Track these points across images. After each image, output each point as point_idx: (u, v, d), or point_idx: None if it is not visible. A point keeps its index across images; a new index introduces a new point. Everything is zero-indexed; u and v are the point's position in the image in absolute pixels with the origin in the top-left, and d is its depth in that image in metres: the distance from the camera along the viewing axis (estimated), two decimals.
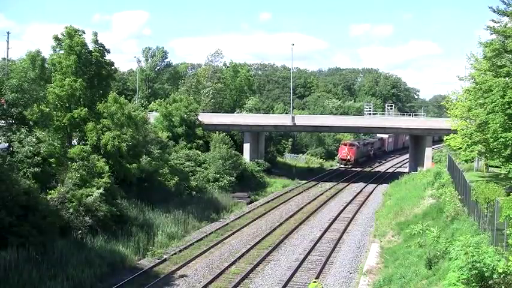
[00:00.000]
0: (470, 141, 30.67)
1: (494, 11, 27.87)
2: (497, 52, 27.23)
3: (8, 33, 53.84)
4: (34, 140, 27.85)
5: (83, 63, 34.65)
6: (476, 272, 12.89)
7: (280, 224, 36.01)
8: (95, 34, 35.88)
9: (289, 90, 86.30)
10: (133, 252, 26.85)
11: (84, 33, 35.31)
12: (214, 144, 49.91)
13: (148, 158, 35.88)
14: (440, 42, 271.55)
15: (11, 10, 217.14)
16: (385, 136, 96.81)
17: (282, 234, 32.89)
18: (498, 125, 24.47)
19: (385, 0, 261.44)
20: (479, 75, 30.27)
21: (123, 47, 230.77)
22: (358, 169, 72.75)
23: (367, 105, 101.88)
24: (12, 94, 27.06)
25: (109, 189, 28.72)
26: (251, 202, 45.55)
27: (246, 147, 59.13)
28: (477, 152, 31.21)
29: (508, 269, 12.76)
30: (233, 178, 46.53)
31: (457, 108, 34.70)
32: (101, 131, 33.01)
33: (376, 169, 78.36)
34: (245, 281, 23.97)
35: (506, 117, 24.21)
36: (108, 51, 36.24)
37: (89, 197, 26.86)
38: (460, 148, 33.16)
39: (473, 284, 13.03)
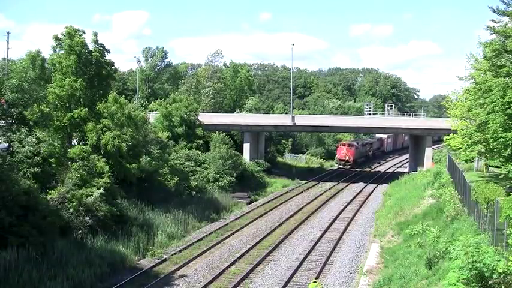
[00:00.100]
0: (470, 141, 30.66)
1: (494, 11, 27.85)
2: (497, 52, 27.20)
3: (8, 33, 53.93)
4: (34, 140, 27.84)
5: (83, 63, 34.65)
6: (476, 272, 12.89)
7: (280, 224, 36.01)
8: (95, 34, 35.89)
9: (289, 90, 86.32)
10: (133, 252, 26.85)
11: (84, 33, 35.33)
12: (214, 144, 49.90)
13: (148, 158, 35.89)
14: (440, 42, 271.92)
15: (11, 10, 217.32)
16: (384, 136, 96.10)
17: (282, 234, 32.89)
18: (498, 125, 24.45)
19: (385, 0, 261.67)
20: (479, 75, 30.25)
21: (123, 47, 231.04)
22: (358, 169, 72.25)
23: (367, 105, 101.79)
24: (12, 94, 27.07)
25: (109, 189, 28.71)
26: (251, 202, 45.55)
27: (246, 147, 59.13)
28: (477, 152, 31.21)
29: (508, 269, 12.76)
30: (233, 178, 46.52)
31: (457, 108, 34.68)
32: (101, 131, 33.01)
33: (376, 169, 78.33)
34: (245, 281, 23.97)
35: (506, 117, 24.19)
36: (108, 51, 36.26)
37: (89, 197, 26.85)
38: (460, 148, 33.15)
39: (473, 284, 13.03)
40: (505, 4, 27.53)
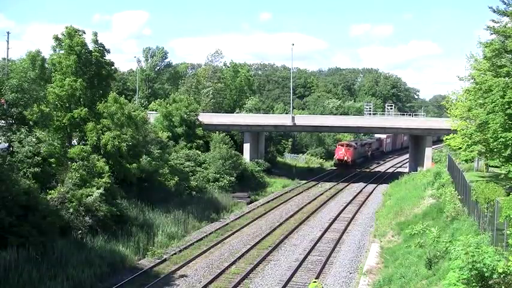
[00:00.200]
0: (470, 141, 30.65)
1: (494, 11, 27.84)
2: (497, 52, 27.19)
3: (8, 33, 53.96)
4: (34, 140, 27.84)
5: (83, 63, 34.65)
6: (477, 272, 12.90)
7: (280, 224, 36.01)
8: (95, 34, 35.89)
9: (289, 90, 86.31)
10: (133, 252, 26.85)
11: (84, 33, 35.33)
12: (214, 144, 49.90)
13: (148, 158, 35.89)
14: (440, 42, 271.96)
15: (11, 10, 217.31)
16: (383, 136, 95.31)
17: (282, 234, 32.89)
18: (498, 125, 24.45)
19: (385, 0, 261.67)
20: (479, 75, 30.25)
21: (123, 47, 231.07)
22: (356, 170, 71.41)
23: (367, 105, 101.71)
24: (12, 94, 27.06)
25: (109, 189, 28.71)
26: (251, 202, 45.55)
27: (246, 147, 59.12)
28: (477, 152, 31.21)
29: (508, 269, 12.76)
30: (233, 178, 46.52)
31: (457, 108, 34.69)
32: (101, 131, 33.01)
33: (375, 169, 78.27)
34: (245, 281, 23.97)
35: (506, 117, 24.18)
36: (108, 51, 36.26)
37: (89, 197, 26.85)
38: (460, 148, 33.16)
39: (473, 284, 13.03)
40: (505, 4, 27.53)
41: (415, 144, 63.79)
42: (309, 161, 78.58)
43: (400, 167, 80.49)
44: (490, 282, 13.04)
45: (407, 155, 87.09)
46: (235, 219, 37.65)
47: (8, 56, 53.50)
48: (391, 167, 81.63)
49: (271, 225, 35.53)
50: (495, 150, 26.53)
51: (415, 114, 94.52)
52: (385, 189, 52.00)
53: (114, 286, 22.22)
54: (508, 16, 27.69)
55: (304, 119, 63.83)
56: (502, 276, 12.85)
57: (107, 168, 29.90)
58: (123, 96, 37.92)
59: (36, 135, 29.10)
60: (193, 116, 53.34)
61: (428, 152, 56.47)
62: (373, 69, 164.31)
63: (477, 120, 28.94)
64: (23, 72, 31.57)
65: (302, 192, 52.01)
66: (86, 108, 33.87)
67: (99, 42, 35.80)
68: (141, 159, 34.77)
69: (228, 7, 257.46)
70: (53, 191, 26.55)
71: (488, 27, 28.20)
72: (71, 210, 26.14)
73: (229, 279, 24.06)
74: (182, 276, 24.52)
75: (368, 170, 76.30)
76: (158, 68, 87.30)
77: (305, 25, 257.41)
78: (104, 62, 35.87)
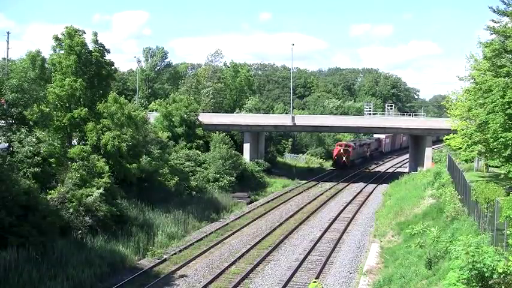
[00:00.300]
0: (470, 141, 30.64)
1: (494, 11, 27.83)
2: (497, 52, 27.19)
3: (8, 33, 53.95)
4: (34, 140, 27.84)
5: (83, 63, 34.66)
6: (477, 272, 12.90)
7: (280, 224, 36.01)
8: (95, 34, 35.91)
9: (289, 90, 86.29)
10: (133, 252, 26.85)
11: (84, 33, 35.35)
12: (214, 144, 49.90)
13: (148, 158, 35.88)
14: (440, 42, 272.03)
15: (11, 10, 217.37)
16: (382, 136, 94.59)
17: (282, 234, 32.89)
18: (498, 125, 24.45)
19: (385, 0, 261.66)
20: (479, 75, 30.25)
21: (123, 47, 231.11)
22: (356, 171, 70.75)
23: (367, 105, 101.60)
24: (12, 94, 27.06)
25: (109, 189, 28.71)
26: (251, 202, 45.55)
27: (246, 147, 59.12)
28: (477, 152, 31.20)
29: (508, 269, 12.76)
30: (233, 178, 46.51)
31: (457, 108, 34.68)
32: (101, 131, 33.01)
33: (375, 170, 78.22)
34: (245, 281, 23.97)
35: (506, 117, 24.18)
36: (108, 51, 36.28)
37: (89, 197, 26.85)
38: (460, 148, 33.15)
39: (474, 284, 13.04)
40: (505, 4, 27.52)
41: (415, 144, 63.79)
42: (309, 161, 78.56)
43: (400, 167, 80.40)
44: (490, 282, 13.04)
45: (406, 155, 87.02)
46: (235, 219, 37.65)
47: (8, 56, 53.55)
48: (391, 167, 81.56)
49: (271, 225, 35.52)
50: (495, 150, 26.53)
51: (415, 114, 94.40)
52: (385, 189, 52.00)
53: (114, 286, 22.22)
54: (508, 16, 27.68)
55: (304, 119, 63.81)
56: (502, 276, 12.85)
57: (107, 168, 29.90)
58: (123, 96, 37.91)
59: (36, 135, 29.10)
60: (193, 116, 53.34)
61: (428, 152, 56.47)
62: (373, 69, 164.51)
63: (477, 120, 28.94)
64: (23, 72, 31.56)
65: (302, 192, 52.01)
66: (86, 108, 33.88)
67: (99, 42, 35.84)
68: (141, 159, 34.77)
69: (228, 7, 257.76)
70: (53, 191, 26.55)
71: (488, 27, 28.21)
72: (71, 210, 26.14)
73: (229, 279, 24.06)
74: (182, 276, 24.52)
75: (367, 170, 76.17)
76: (158, 68, 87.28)
77: (305, 25, 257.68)
78: (104, 62, 35.88)
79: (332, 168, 73.41)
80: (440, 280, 16.94)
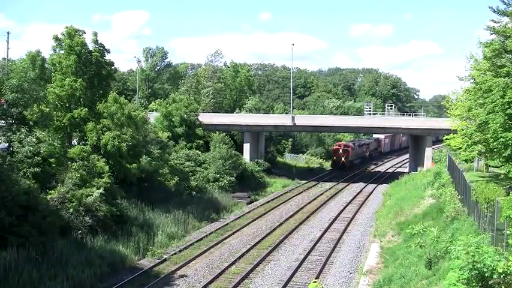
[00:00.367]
0: (470, 141, 30.65)
1: (494, 11, 27.84)
2: (497, 52, 27.19)
3: (8, 33, 53.92)
4: (34, 140, 27.83)
5: (83, 63, 34.66)
6: (477, 272, 12.90)
7: (280, 224, 36.01)
8: (95, 34, 35.91)
9: (289, 90, 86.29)
10: (133, 252, 26.85)
11: (84, 33, 35.36)
12: (214, 144, 49.90)
13: (148, 158, 35.88)
14: (440, 42, 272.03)
15: (11, 10, 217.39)
16: (382, 137, 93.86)
17: (282, 234, 32.89)
18: (498, 125, 24.45)
19: (385, 0, 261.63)
20: (479, 76, 30.25)
21: (123, 47, 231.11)
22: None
23: (367, 105, 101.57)
24: (12, 94, 27.06)
25: (109, 189, 28.71)
26: (251, 202, 45.55)
27: (246, 147, 59.13)
28: (477, 152, 31.21)
29: (508, 269, 12.76)
30: (233, 178, 46.52)
31: (457, 108, 34.69)
32: (101, 131, 33.01)
33: (374, 170, 78.17)
34: (245, 281, 23.97)
35: (506, 117, 24.19)
36: (108, 51, 36.28)
37: (89, 197, 26.85)
38: (460, 148, 33.16)
39: (474, 284, 13.04)
40: (505, 4, 27.54)
41: (415, 144, 63.78)
42: (309, 161, 78.56)
43: (399, 167, 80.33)
44: (490, 282, 13.04)
45: (406, 156, 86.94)
46: (235, 219, 37.65)
47: (8, 56, 53.52)
48: (391, 167, 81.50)
49: (271, 225, 35.52)
50: (495, 150, 26.53)
51: (415, 114, 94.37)
52: (385, 189, 51.99)
53: (114, 286, 22.22)
54: (508, 16, 27.69)
55: (304, 119, 63.80)
56: (502, 276, 12.86)
57: (107, 168, 29.90)
58: (123, 96, 37.92)
59: (36, 135, 29.10)
60: (193, 116, 53.35)
61: (428, 152, 56.48)
62: (373, 69, 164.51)
63: (477, 120, 28.94)
64: (23, 72, 31.54)
65: (302, 192, 52.01)
66: (86, 108, 33.88)
67: (99, 42, 35.84)
68: (141, 159, 34.76)
69: (228, 7, 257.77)
70: (53, 191, 26.55)
71: (488, 27, 28.21)
72: (71, 210, 26.14)
73: (229, 279, 24.06)
74: (182, 276, 24.52)
75: (367, 170, 76.08)
76: (158, 68, 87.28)
77: (305, 25, 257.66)
78: (104, 62, 35.88)
79: (332, 168, 73.12)
80: (440, 280, 16.94)
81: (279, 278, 24.37)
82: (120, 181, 32.29)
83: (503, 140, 24.18)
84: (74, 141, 35.23)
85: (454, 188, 31.15)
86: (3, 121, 27.96)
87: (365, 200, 47.67)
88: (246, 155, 57.94)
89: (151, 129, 41.77)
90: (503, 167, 27.54)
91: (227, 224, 35.89)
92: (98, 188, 27.62)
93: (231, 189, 45.38)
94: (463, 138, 32.23)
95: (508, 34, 27.32)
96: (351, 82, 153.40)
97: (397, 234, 29.92)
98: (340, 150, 71.10)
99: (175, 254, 27.82)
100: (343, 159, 70.49)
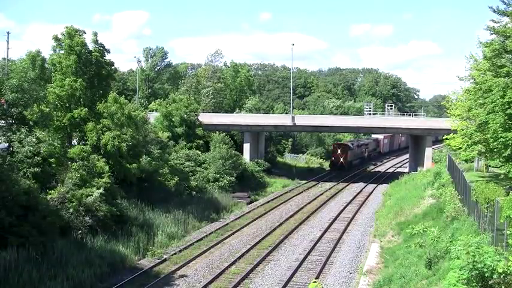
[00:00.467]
0: (470, 141, 30.65)
1: (494, 11, 27.84)
2: (497, 52, 27.19)
3: (8, 33, 53.93)
4: (34, 140, 27.83)
5: (83, 63, 34.67)
6: (477, 272, 12.90)
7: (280, 224, 36.01)
8: (95, 34, 35.93)
9: (289, 90, 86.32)
10: (133, 252, 26.84)
11: (84, 33, 35.37)
12: (214, 144, 49.91)
13: (148, 158, 35.88)
14: (440, 42, 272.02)
15: (11, 10, 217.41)
16: (381, 137, 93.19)
17: (282, 234, 32.88)
18: (498, 125, 24.46)
19: (385, 0, 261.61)
20: (479, 76, 30.26)
21: (123, 47, 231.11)
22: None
23: (367, 105, 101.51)
24: (12, 94, 27.07)
25: (109, 189, 28.71)
26: (251, 202, 45.55)
27: (246, 147, 59.14)
28: (477, 152, 31.20)
29: (508, 269, 12.77)
30: (233, 178, 46.52)
31: (457, 108, 34.69)
32: (101, 131, 33.01)
33: (374, 170, 78.13)
34: (245, 281, 23.97)
35: (506, 117, 24.19)
36: (108, 51, 36.30)
37: (89, 197, 26.85)
38: (460, 148, 33.16)
39: (474, 284, 13.04)
40: (505, 4, 27.53)
41: (415, 144, 63.79)
42: (309, 161, 78.56)
43: (399, 167, 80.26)
44: (490, 282, 13.04)
45: (405, 156, 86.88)
46: (235, 219, 37.65)
47: (8, 56, 53.51)
48: (391, 167, 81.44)
49: (271, 225, 35.52)
50: (495, 150, 26.54)
51: (415, 114, 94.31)
52: (385, 189, 52.00)
53: (114, 286, 22.22)
54: (508, 16, 27.69)
55: (304, 119, 63.79)
56: (502, 276, 12.86)
57: (107, 168, 29.90)
58: (123, 96, 37.92)
59: (36, 135, 29.10)
60: (193, 116, 53.35)
61: (428, 152, 56.49)
62: (373, 69, 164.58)
63: (477, 120, 28.94)
64: (23, 72, 31.53)
65: (302, 192, 52.02)
66: (86, 108, 33.89)
67: (99, 42, 35.85)
68: (141, 159, 34.76)
69: (228, 7, 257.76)
70: (53, 191, 26.54)
71: (488, 27, 28.20)
72: (71, 210, 26.14)
73: (229, 279, 24.06)
74: (182, 276, 24.52)
75: (367, 170, 75.99)
76: (158, 68, 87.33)
77: (305, 25, 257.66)
78: (104, 62, 35.89)
79: (330, 169, 72.64)
80: (440, 280, 16.94)
81: (279, 278, 24.37)
82: (120, 181, 32.29)
83: (503, 140, 24.18)
84: (74, 141, 35.24)
85: (454, 188, 31.15)
86: (3, 121, 27.95)
87: (365, 200, 47.67)
88: (246, 155, 57.95)
89: (151, 129, 41.78)
90: (503, 167, 27.53)
91: (227, 224, 35.89)
92: (98, 188, 27.62)
93: (231, 189, 45.38)
94: (463, 138, 32.23)
95: (508, 34, 27.31)
96: (351, 82, 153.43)
97: (397, 234, 29.92)
98: (339, 151, 70.67)
99: (175, 254, 27.82)
100: (341, 159, 70.05)
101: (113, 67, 37.20)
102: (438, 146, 78.95)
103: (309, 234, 33.77)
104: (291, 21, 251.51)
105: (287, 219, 38.01)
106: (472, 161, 37.06)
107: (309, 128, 65.25)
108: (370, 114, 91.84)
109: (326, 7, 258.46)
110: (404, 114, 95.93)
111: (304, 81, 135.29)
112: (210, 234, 32.45)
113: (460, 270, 13.19)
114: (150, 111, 57.33)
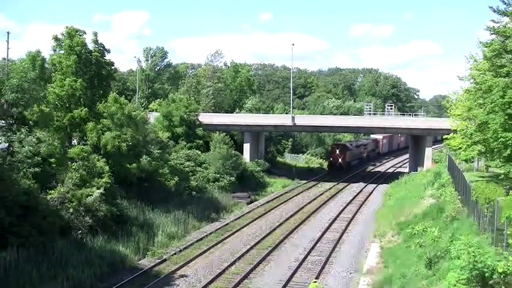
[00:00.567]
0: (470, 141, 30.65)
1: (494, 11, 27.84)
2: (497, 52, 27.20)
3: (8, 33, 53.80)
4: (34, 140, 27.86)
5: (83, 63, 34.69)
6: (477, 272, 12.91)
7: (280, 224, 36.01)
8: (95, 34, 35.97)
9: (289, 90, 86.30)
10: (133, 252, 26.85)
11: (84, 33, 35.39)
12: (214, 144, 49.92)
13: (148, 158, 35.87)
14: (440, 42, 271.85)
15: (11, 10, 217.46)
16: (379, 137, 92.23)
17: (282, 234, 32.88)
18: (498, 125, 24.47)
19: (385, 0, 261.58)
20: (479, 76, 30.26)
21: (123, 47, 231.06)
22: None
23: (367, 105, 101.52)
24: (12, 94, 27.11)
25: (109, 189, 28.70)
26: (251, 202, 45.55)
27: (246, 147, 59.15)
28: (477, 152, 31.20)
29: (508, 269, 12.78)
30: (233, 178, 46.53)
31: (457, 108, 34.69)
32: (101, 131, 33.03)
33: (373, 170, 78.12)
34: (245, 281, 23.97)
35: (506, 117, 24.21)
36: (108, 51, 36.35)
37: (89, 197, 26.85)
38: (460, 148, 33.16)
39: (474, 284, 13.06)
40: (505, 4, 27.53)
41: (415, 144, 63.79)
42: (309, 161, 78.56)
43: (399, 167, 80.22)
44: (490, 282, 13.06)
45: (405, 156, 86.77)
46: (235, 219, 37.65)
47: (8, 56, 53.46)
48: (391, 167, 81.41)
49: (271, 225, 35.52)
50: (495, 150, 26.54)
51: (415, 114, 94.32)
52: (385, 189, 52.02)
53: (114, 286, 22.21)
54: (508, 16, 27.69)
55: (304, 119, 63.80)
56: (502, 276, 12.87)
57: (107, 168, 29.90)
58: (123, 96, 37.93)
59: (36, 135, 29.12)
60: (193, 116, 53.35)
61: (428, 152, 56.49)
62: (373, 69, 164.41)
63: (477, 120, 28.94)
64: (23, 72, 31.53)
65: (302, 192, 52.02)
66: (86, 108, 33.91)
67: (99, 42, 35.89)
68: (141, 159, 34.76)
69: (228, 7, 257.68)
70: (53, 191, 26.54)
71: (488, 27, 28.21)
72: (71, 210, 26.14)
73: (229, 279, 24.06)
74: (182, 276, 24.52)
75: (367, 170, 75.99)
76: (158, 68, 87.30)
77: (305, 25, 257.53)
78: (104, 62, 35.92)
79: (328, 169, 71.90)
80: (440, 280, 16.94)
81: (279, 278, 24.36)
82: (120, 181, 32.27)
83: (503, 140, 24.19)
84: (74, 141, 35.25)
85: (454, 188, 31.16)
86: (3, 121, 27.96)
87: (365, 200, 47.67)
88: (246, 155, 57.96)
89: (151, 129, 41.78)
90: (503, 167, 27.53)
91: (227, 224, 35.89)
92: (98, 188, 27.61)
93: (231, 189, 45.38)
94: (463, 138, 32.22)
95: (508, 34, 27.32)
96: (351, 82, 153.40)
97: (397, 234, 29.92)
98: (337, 151, 70.01)
99: (175, 254, 27.81)
100: (339, 160, 69.44)
101: (113, 67, 37.23)
102: (438, 146, 78.91)
103: (309, 234, 33.76)
104: (291, 21, 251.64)
105: (287, 219, 38.01)
106: (472, 161, 37.05)
107: (309, 128, 65.26)
108: (370, 114, 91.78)
109: (326, 7, 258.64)
110: (404, 114, 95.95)
111: (304, 81, 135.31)
112: (210, 234, 32.45)
113: (460, 270, 13.21)
114: (150, 111, 57.27)
